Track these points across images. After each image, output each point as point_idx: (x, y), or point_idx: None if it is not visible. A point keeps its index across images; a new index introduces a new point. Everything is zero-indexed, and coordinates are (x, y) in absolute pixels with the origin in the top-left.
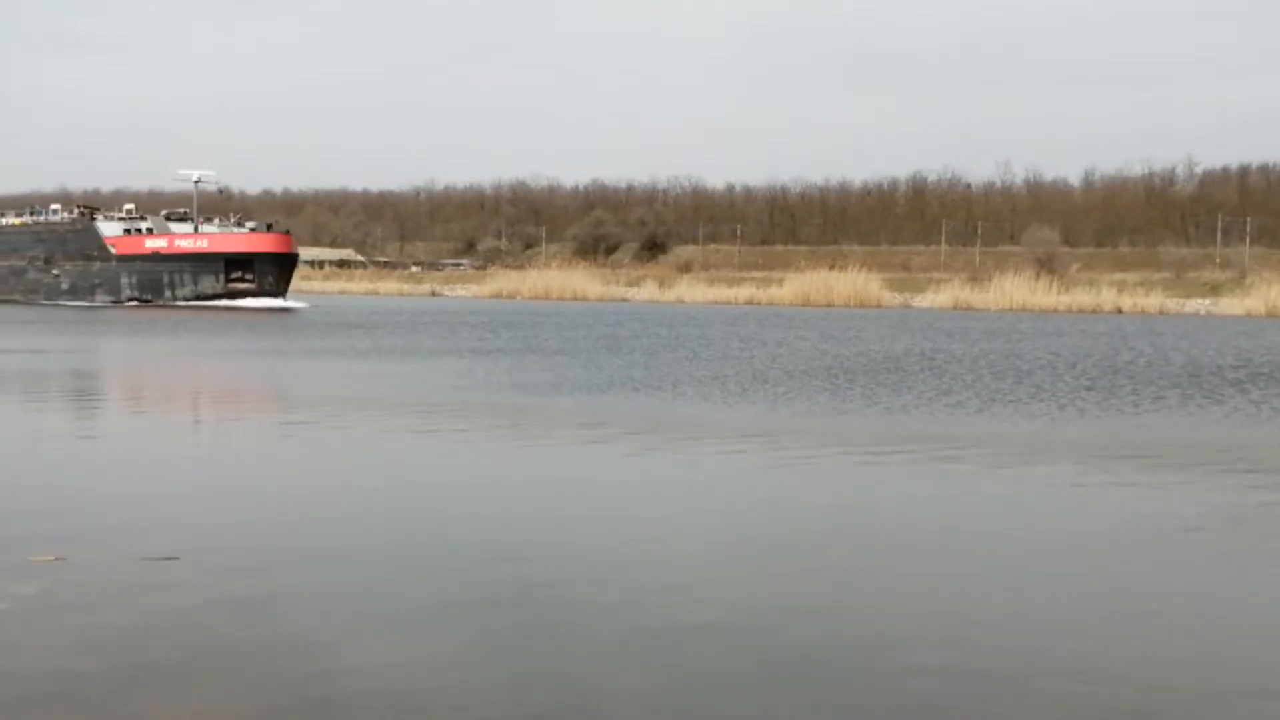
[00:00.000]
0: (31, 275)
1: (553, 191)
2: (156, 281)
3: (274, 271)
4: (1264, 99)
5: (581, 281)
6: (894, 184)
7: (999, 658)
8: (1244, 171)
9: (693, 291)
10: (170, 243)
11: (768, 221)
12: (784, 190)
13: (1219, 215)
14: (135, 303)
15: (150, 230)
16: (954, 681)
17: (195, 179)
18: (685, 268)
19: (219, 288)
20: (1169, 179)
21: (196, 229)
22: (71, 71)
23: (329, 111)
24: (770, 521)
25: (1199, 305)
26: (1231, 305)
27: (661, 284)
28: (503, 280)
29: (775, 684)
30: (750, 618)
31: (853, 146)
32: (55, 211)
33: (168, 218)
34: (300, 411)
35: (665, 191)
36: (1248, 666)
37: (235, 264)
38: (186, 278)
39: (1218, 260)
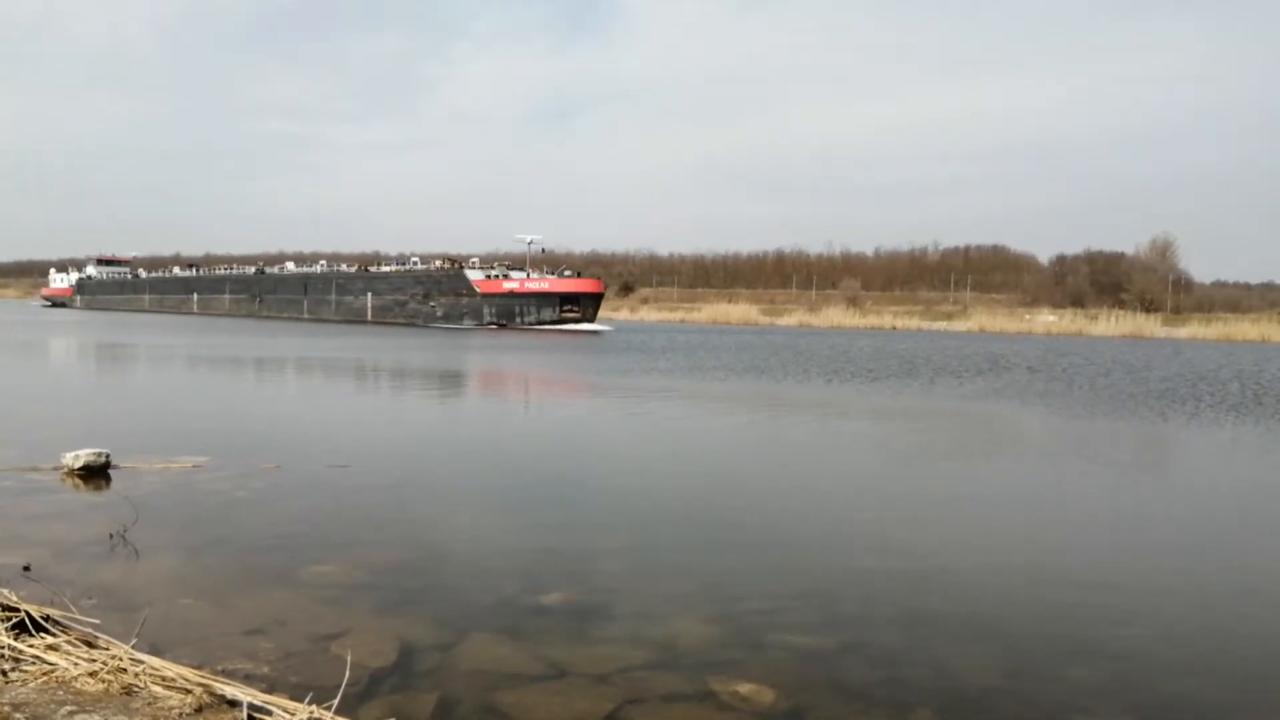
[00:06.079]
0: (412, 306)
1: (568, 255)
2: (510, 311)
3: (592, 305)
4: (977, 203)
5: None
6: (765, 253)
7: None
8: (967, 249)
9: (649, 315)
10: (521, 284)
11: (693, 275)
12: (703, 257)
13: (952, 274)
14: (494, 326)
15: (508, 275)
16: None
17: (529, 241)
18: (644, 300)
19: (554, 316)
20: (924, 252)
21: (528, 275)
22: None
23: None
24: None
25: (940, 325)
26: (958, 325)
27: (631, 310)
28: None
29: (721, 553)
30: (700, 506)
31: (742, 230)
32: (415, 263)
33: (509, 268)
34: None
35: (632, 256)
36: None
37: (567, 300)
38: (532, 308)
39: (951, 300)
